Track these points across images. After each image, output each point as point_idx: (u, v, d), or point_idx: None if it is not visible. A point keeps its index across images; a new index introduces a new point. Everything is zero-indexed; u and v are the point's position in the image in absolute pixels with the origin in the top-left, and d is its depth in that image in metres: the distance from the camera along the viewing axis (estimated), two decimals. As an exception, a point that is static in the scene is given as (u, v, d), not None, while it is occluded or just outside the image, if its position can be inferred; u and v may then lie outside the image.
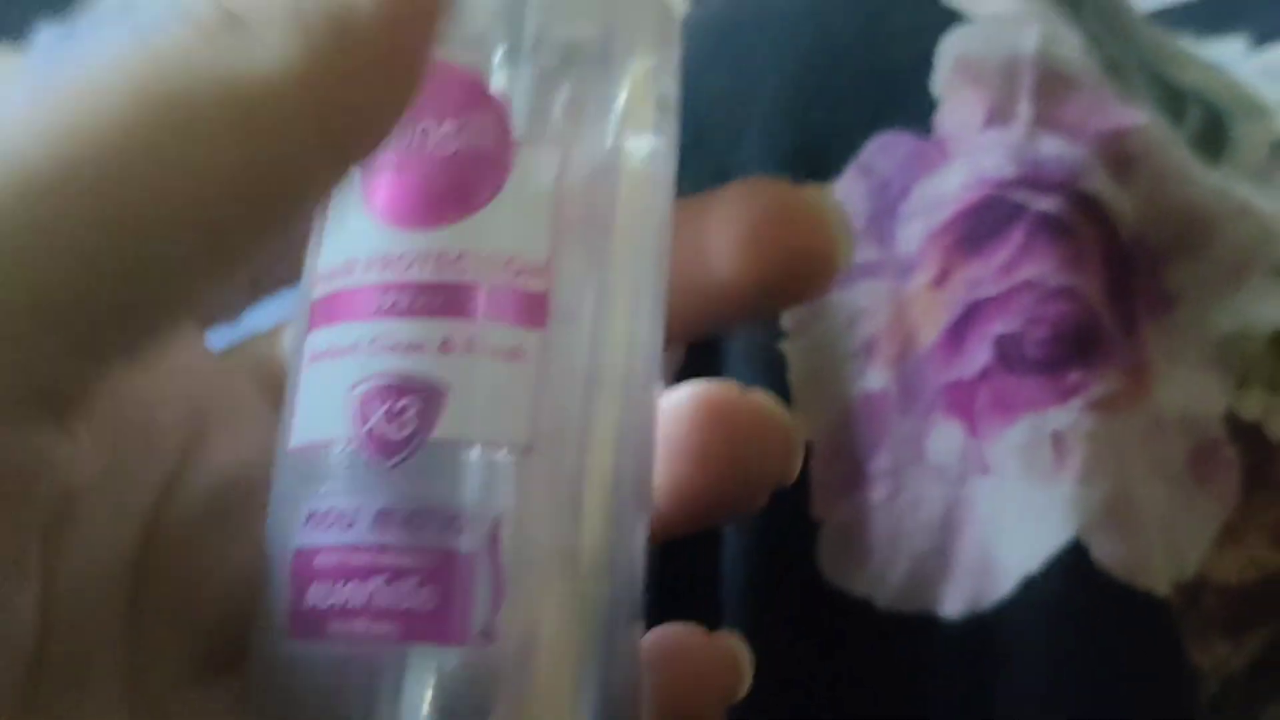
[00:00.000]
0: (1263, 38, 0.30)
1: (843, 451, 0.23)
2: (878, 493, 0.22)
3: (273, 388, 0.17)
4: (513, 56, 0.15)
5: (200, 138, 0.12)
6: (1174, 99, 0.28)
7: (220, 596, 0.16)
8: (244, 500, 0.16)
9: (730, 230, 0.17)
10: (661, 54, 0.16)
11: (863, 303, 0.23)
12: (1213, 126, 0.28)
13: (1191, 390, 0.24)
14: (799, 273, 0.17)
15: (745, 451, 0.17)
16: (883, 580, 0.22)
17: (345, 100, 0.12)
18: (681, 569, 0.20)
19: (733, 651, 0.17)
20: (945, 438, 0.22)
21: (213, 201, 0.12)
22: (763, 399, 0.18)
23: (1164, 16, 0.32)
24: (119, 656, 0.15)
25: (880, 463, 0.23)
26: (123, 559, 0.15)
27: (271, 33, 0.12)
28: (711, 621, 0.17)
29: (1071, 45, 0.25)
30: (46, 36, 0.37)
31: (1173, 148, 0.25)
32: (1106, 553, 0.21)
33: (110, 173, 0.11)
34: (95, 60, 0.12)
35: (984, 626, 0.21)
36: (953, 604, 0.22)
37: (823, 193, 0.17)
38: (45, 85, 0.12)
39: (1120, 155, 0.24)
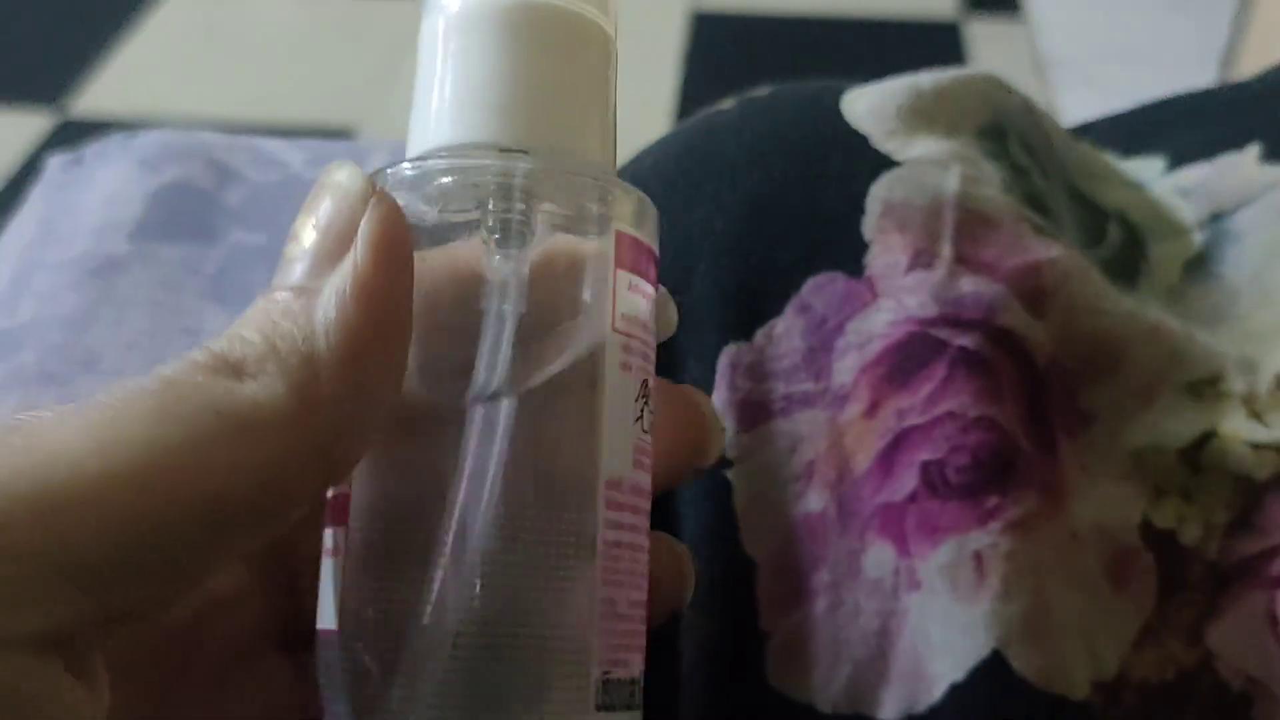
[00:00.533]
0: (1179, 159, 0.32)
1: (787, 568, 0.25)
2: (819, 605, 0.25)
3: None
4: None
5: (209, 450, 0.15)
6: (1095, 217, 0.31)
7: None
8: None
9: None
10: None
11: (802, 431, 0.25)
12: (1130, 247, 0.30)
13: (1108, 502, 0.26)
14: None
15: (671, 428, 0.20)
16: (826, 686, 0.24)
17: (324, 416, 0.15)
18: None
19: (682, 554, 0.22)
20: (880, 556, 0.24)
21: (216, 498, 0.15)
22: (688, 389, 0.22)
23: (1090, 130, 0.34)
24: None
25: (821, 578, 0.25)
26: None
27: (258, 373, 0.15)
28: None
29: (991, 183, 0.27)
30: (56, 164, 0.39)
31: (1086, 276, 0.27)
32: (1024, 662, 0.23)
33: (140, 471, 0.14)
34: (123, 390, 0.15)
35: None
36: (890, 708, 0.24)
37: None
38: (84, 405, 0.15)
39: (1035, 289, 0.26)
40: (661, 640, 0.25)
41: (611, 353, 0.18)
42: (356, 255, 0.16)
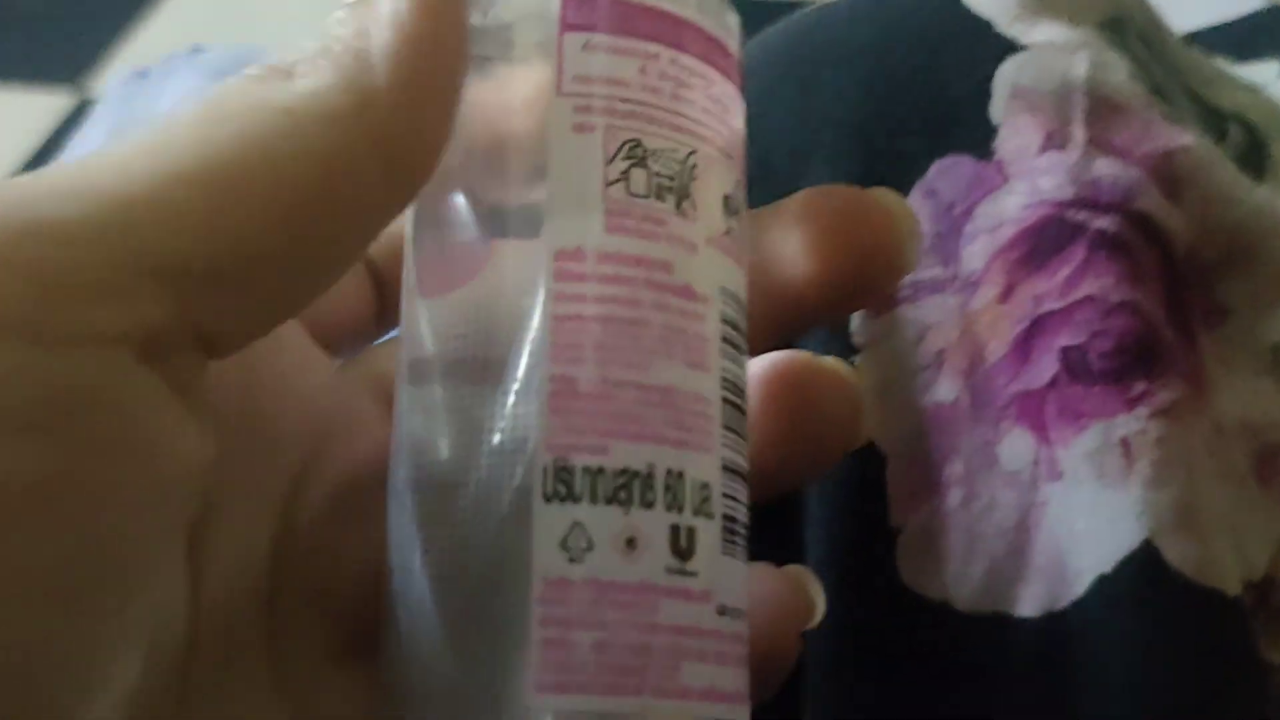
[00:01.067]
0: (1296, 62, 0.31)
1: (917, 460, 0.24)
2: (952, 499, 0.23)
3: (387, 400, 0.18)
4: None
5: (264, 142, 0.14)
6: (1215, 120, 0.29)
7: (350, 588, 0.17)
8: (363, 502, 0.17)
9: (800, 234, 0.18)
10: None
11: (931, 318, 0.24)
12: (1253, 146, 0.29)
13: (1249, 398, 0.25)
14: (869, 271, 0.19)
15: (813, 415, 0.19)
16: (961, 584, 0.23)
17: (380, 111, 0.15)
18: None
19: (802, 581, 0.19)
20: (1016, 445, 0.23)
21: (280, 189, 0.14)
22: (833, 363, 0.19)
23: (1200, 38, 0.33)
24: (263, 644, 0.16)
25: (954, 470, 0.23)
26: (261, 555, 0.17)
27: (310, 70, 0.15)
28: None
29: (1119, 71, 0.26)
30: (118, 82, 0.38)
31: (1220, 166, 0.26)
32: (1177, 554, 0.22)
33: (193, 167, 0.14)
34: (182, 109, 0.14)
35: (1060, 625, 0.22)
36: (1029, 604, 0.23)
37: (889, 193, 0.19)
38: (161, 121, 0.14)
39: (1170, 176, 0.25)
40: (786, 536, 0.24)
41: (560, 116, 0.16)
42: None
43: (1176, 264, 0.25)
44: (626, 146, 0.16)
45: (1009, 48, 0.26)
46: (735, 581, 0.16)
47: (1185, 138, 0.26)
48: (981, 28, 0.26)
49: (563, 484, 0.15)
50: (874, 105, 0.26)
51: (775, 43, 0.28)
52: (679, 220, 0.16)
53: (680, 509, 0.15)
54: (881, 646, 0.23)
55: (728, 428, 0.16)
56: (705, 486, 0.15)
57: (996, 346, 0.24)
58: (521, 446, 0.15)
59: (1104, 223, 0.24)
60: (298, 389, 0.18)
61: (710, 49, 0.17)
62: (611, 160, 0.16)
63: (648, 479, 0.15)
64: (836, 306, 0.20)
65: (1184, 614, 0.22)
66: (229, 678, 0.16)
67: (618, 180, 0.16)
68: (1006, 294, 0.24)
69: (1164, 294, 0.24)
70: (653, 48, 0.16)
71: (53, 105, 1.23)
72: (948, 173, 0.25)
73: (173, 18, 1.36)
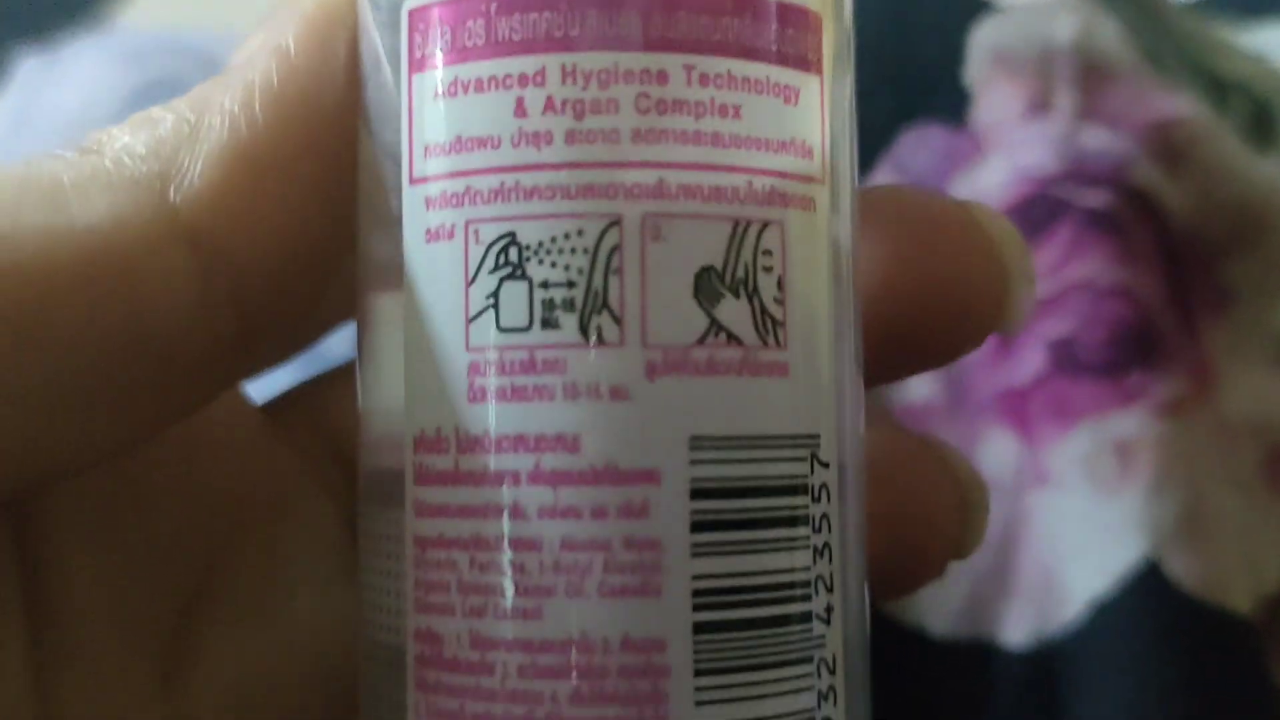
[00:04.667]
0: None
1: (888, 468, 0.21)
2: (927, 511, 0.21)
3: (328, 460, 0.15)
4: None
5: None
6: (1216, 90, 0.27)
7: (258, 710, 0.14)
8: (280, 602, 0.14)
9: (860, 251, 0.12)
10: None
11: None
12: (1259, 116, 0.27)
13: (1258, 392, 0.22)
14: (946, 318, 0.13)
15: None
16: (937, 606, 0.20)
17: (194, 191, 0.11)
18: None
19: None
20: (998, 448, 0.21)
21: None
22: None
23: (1200, 5, 0.31)
24: None
25: (929, 479, 0.21)
26: (143, 684, 0.13)
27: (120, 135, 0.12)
28: None
29: (1109, 34, 0.24)
30: (27, 65, 0.36)
31: (1220, 137, 0.23)
32: (1182, 569, 0.19)
33: None
34: None
35: (1050, 653, 0.20)
36: (1014, 630, 0.20)
37: (993, 214, 0.13)
38: None
39: (1168, 147, 0.22)
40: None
41: (411, 219, 0.11)
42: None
43: (1175, 244, 0.22)
44: (495, 250, 0.10)
45: (984, 8, 0.23)
46: None
47: (1183, 106, 0.23)
48: None
49: None
50: None
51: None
52: (588, 354, 0.10)
53: None
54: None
55: (710, 670, 0.11)
56: None
57: (975, 338, 0.21)
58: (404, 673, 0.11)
59: (1093, 198, 0.21)
60: (203, 456, 0.14)
61: (667, 19, 0.10)
62: (474, 279, 0.11)
63: None
64: (896, 362, 0.14)
65: (1189, 637, 0.19)
66: None
67: (484, 309, 0.11)
68: (985, 279, 0.21)
69: (1162, 277, 0.22)
70: (535, 62, 0.10)
71: None
72: (918, 145, 0.22)
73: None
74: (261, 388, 0.15)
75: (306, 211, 0.12)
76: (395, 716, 0.11)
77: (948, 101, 0.22)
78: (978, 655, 0.20)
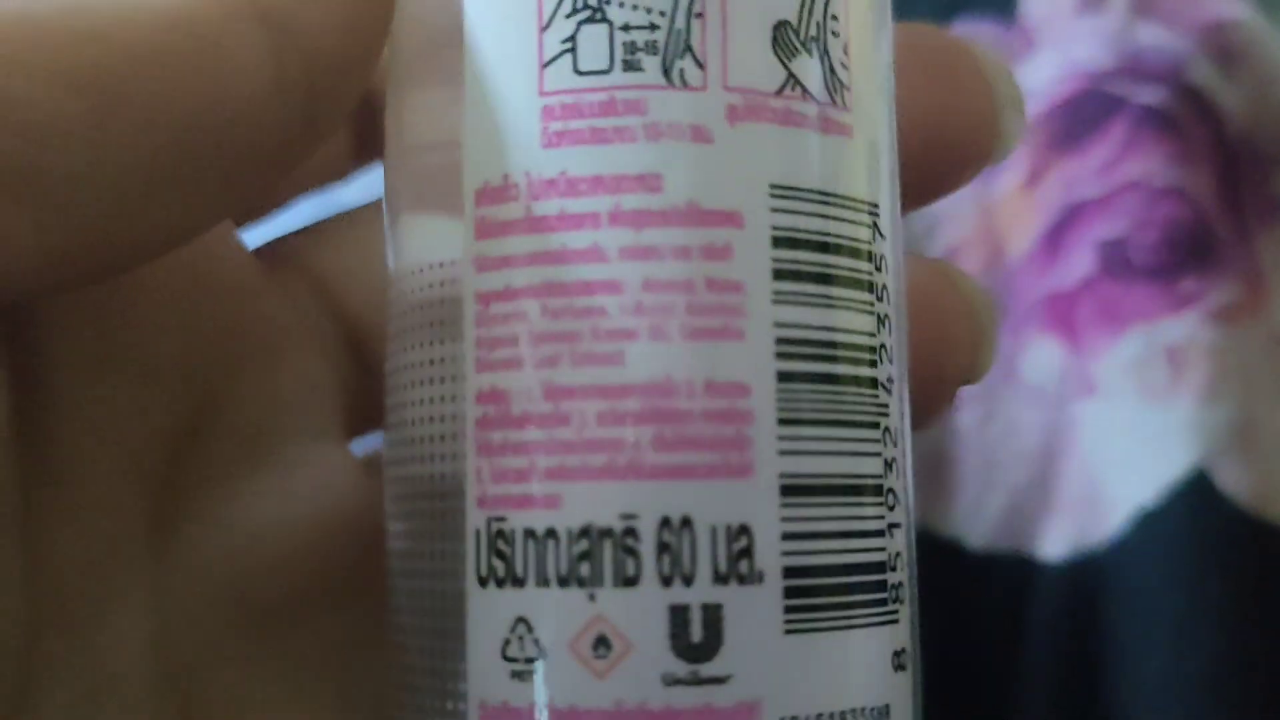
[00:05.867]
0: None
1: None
2: (967, 419, 0.20)
3: (321, 311, 0.14)
4: None
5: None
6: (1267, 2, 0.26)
7: (253, 567, 0.13)
8: (275, 456, 0.13)
9: None
10: None
11: (942, 208, 0.21)
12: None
13: (1310, 306, 0.21)
14: (945, 146, 0.13)
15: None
16: (975, 518, 0.20)
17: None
18: None
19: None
20: (1043, 355, 0.20)
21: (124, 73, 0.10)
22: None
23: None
24: (139, 629, 0.12)
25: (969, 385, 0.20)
26: (132, 527, 0.12)
27: None
28: None
29: (1164, -68, 0.23)
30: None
31: (1276, 44, 0.22)
32: (1233, 481, 0.19)
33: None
34: None
35: (1091, 567, 0.19)
36: (1054, 544, 0.19)
37: (987, 51, 0.14)
38: None
39: (1224, 48, 0.21)
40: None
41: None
42: None
43: (1231, 148, 0.21)
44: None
45: (1037, -102, 0.22)
46: (813, 677, 0.10)
47: (1239, 9, 0.22)
48: None
49: (499, 558, 0.10)
50: None
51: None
52: (671, 96, 0.10)
53: (688, 578, 0.10)
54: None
55: (791, 420, 0.10)
56: (743, 532, 0.10)
57: (1020, 240, 0.20)
58: (458, 498, 0.10)
59: (1149, 96, 0.20)
60: (199, 291, 0.13)
61: None
62: (549, 23, 0.10)
63: (625, 539, 0.10)
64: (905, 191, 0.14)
65: (1238, 550, 0.19)
66: (88, 684, 0.12)
67: (560, 54, 0.10)
68: (1033, 179, 0.20)
69: (1217, 181, 0.21)
70: None
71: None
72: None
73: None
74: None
75: None
76: (445, 549, 0.10)
77: None
78: (1016, 568, 0.19)
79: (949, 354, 0.14)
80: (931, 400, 0.14)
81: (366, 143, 0.15)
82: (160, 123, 0.10)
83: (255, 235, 0.14)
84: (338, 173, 0.15)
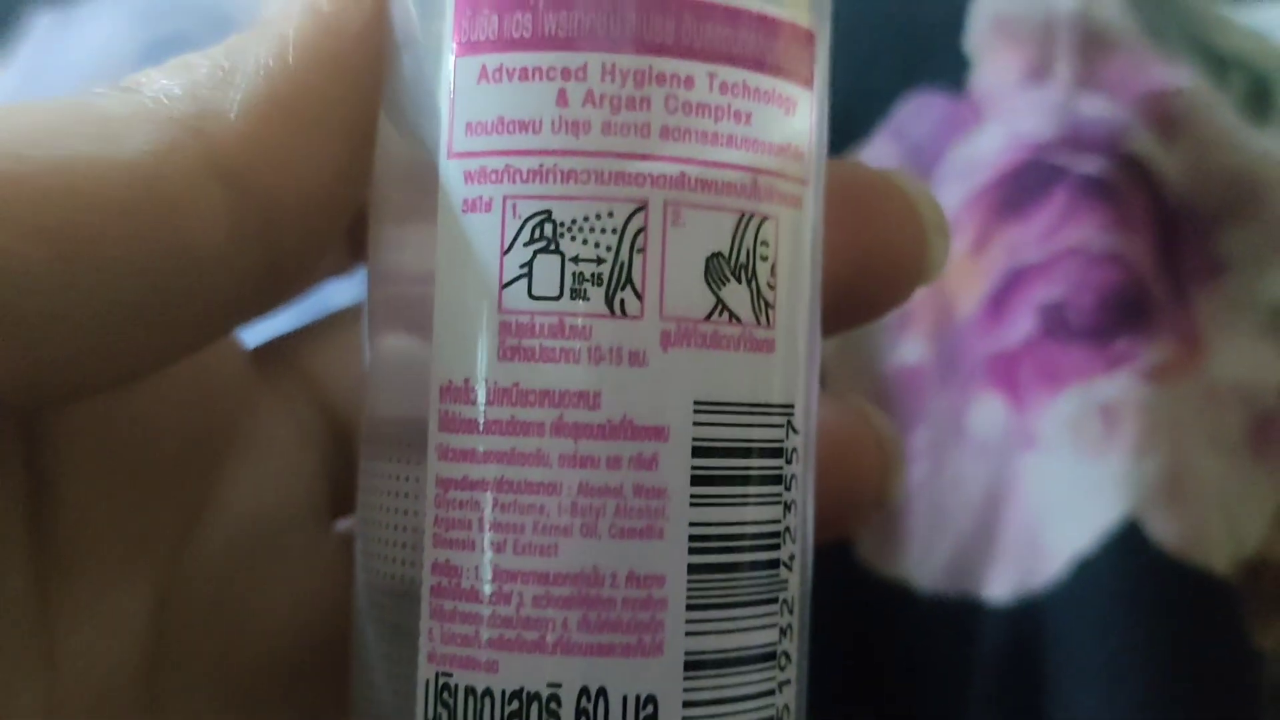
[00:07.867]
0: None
1: (879, 428, 0.22)
2: (917, 471, 0.21)
3: (310, 407, 0.15)
4: None
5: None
6: (1215, 64, 0.27)
7: (253, 651, 0.14)
8: (272, 545, 0.14)
9: None
10: None
11: (897, 272, 0.22)
12: (1257, 91, 0.27)
13: (1246, 360, 0.22)
14: (878, 276, 0.15)
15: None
16: (923, 563, 0.21)
17: (230, 129, 0.12)
18: None
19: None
20: (987, 411, 0.21)
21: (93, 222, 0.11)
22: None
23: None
24: (139, 702, 0.13)
25: (919, 439, 0.21)
26: (140, 615, 0.14)
27: (160, 76, 0.12)
28: None
29: (1109, 4, 0.24)
30: (44, 21, 0.36)
31: (1217, 110, 0.24)
32: (1162, 530, 0.20)
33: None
34: None
35: (1032, 609, 0.20)
36: (999, 587, 0.21)
37: (911, 180, 0.15)
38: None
39: (1165, 117, 0.23)
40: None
41: (448, 189, 0.12)
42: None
43: (1169, 213, 0.22)
44: (530, 225, 0.12)
45: (988, -24, 0.24)
46: None
47: (1181, 77, 0.23)
48: None
49: (444, 708, 0.12)
50: (837, 36, 0.23)
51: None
52: (612, 324, 0.11)
53: None
54: (831, 629, 0.21)
55: (698, 605, 0.12)
56: (649, 701, 0.12)
57: (968, 302, 0.22)
58: (414, 600, 0.12)
59: (1089, 165, 0.22)
60: (199, 394, 0.14)
61: (697, 29, 0.12)
62: (509, 249, 0.12)
63: (550, 704, 0.11)
64: (833, 316, 0.15)
65: (1168, 596, 0.20)
66: None
67: (517, 278, 0.12)
68: (979, 245, 0.22)
69: (1155, 245, 0.22)
70: (579, 58, 0.12)
71: None
72: (918, 112, 0.23)
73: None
74: (252, 335, 0.15)
75: (333, 158, 0.13)
76: (400, 644, 0.12)
77: (948, 68, 0.23)
78: (962, 611, 0.21)
79: (862, 487, 0.16)
80: (846, 523, 0.16)
81: (363, 243, 0.16)
82: (124, 270, 0.11)
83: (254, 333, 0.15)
84: (338, 270, 0.16)
